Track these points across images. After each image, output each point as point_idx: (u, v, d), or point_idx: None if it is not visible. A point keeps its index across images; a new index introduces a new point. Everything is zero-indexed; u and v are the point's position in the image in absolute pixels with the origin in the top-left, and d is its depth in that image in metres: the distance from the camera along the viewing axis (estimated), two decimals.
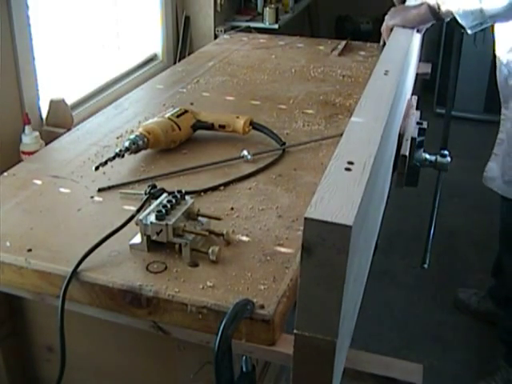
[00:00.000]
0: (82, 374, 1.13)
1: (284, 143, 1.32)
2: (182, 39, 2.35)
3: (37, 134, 1.39)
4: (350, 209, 0.63)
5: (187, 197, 1.00)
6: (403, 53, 1.25)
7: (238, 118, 1.33)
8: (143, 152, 1.26)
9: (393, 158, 1.38)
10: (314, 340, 0.68)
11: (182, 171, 1.20)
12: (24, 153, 1.36)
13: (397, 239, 2.49)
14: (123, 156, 1.19)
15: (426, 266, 1.44)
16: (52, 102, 1.51)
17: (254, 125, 1.35)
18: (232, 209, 1.07)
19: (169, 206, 0.95)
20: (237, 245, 0.97)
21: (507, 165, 1.61)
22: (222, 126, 1.33)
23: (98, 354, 1.09)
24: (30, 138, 1.37)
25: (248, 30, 2.56)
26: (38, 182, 1.16)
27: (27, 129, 1.37)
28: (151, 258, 0.93)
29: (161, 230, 0.92)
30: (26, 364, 1.16)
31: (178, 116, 1.31)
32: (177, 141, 1.30)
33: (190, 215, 0.97)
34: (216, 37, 2.42)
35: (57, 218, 1.05)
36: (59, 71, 1.70)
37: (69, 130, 1.46)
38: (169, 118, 1.30)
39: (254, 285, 0.87)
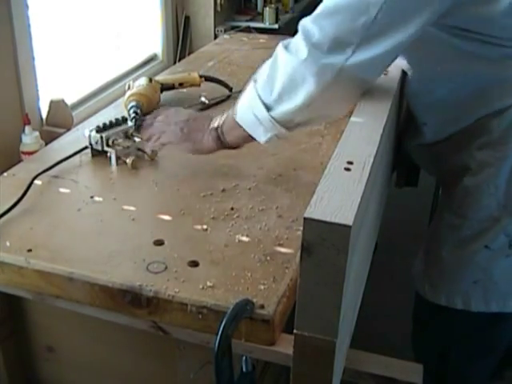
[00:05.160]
0: (81, 373, 1.13)
1: (231, 89, 1.65)
2: (181, 39, 2.35)
3: (37, 134, 1.39)
4: (350, 209, 0.63)
5: (130, 122, 1.30)
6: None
7: (189, 74, 1.63)
8: None
9: (393, 158, 1.38)
10: (314, 340, 0.69)
11: None
12: (24, 153, 1.36)
13: (397, 239, 2.48)
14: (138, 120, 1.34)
15: None
16: (52, 102, 1.51)
17: (204, 77, 1.64)
18: (232, 209, 1.07)
19: (108, 124, 1.25)
20: (237, 245, 0.97)
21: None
22: (181, 84, 1.61)
23: (97, 353, 1.09)
24: (30, 138, 1.37)
25: (248, 30, 2.56)
26: (38, 182, 1.16)
27: (27, 129, 1.37)
28: (151, 258, 0.93)
29: (97, 141, 1.24)
30: (25, 364, 1.16)
31: (150, 82, 1.51)
32: (158, 102, 1.52)
33: (127, 134, 1.27)
34: (216, 37, 2.42)
35: (57, 217, 1.05)
36: (59, 71, 1.69)
37: (69, 129, 1.46)
38: (147, 85, 1.49)
39: (254, 285, 0.87)
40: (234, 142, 1.08)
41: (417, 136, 1.20)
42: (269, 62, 0.96)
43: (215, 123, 1.09)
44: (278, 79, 0.93)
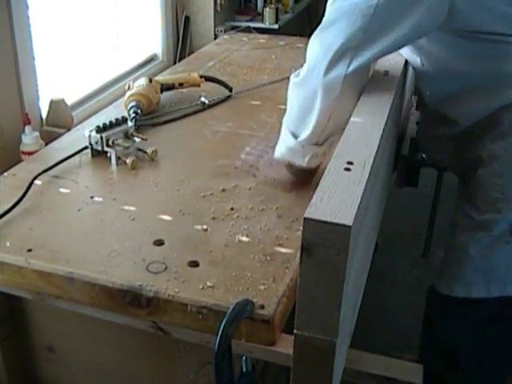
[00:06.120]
0: (81, 373, 1.13)
1: (231, 89, 1.66)
2: (181, 39, 2.35)
3: (37, 134, 1.39)
4: (350, 209, 0.63)
5: (130, 122, 1.31)
6: (403, 55, 1.25)
7: (189, 74, 1.64)
8: None
9: (393, 158, 1.38)
10: (314, 340, 0.69)
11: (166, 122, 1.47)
12: (24, 153, 1.36)
13: (397, 239, 2.48)
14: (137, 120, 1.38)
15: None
16: (52, 102, 1.50)
17: (204, 77, 1.65)
18: (232, 209, 1.07)
19: (108, 124, 1.26)
20: (237, 245, 0.97)
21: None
22: (181, 84, 1.61)
23: (97, 353, 1.09)
24: (30, 138, 1.37)
25: (248, 30, 2.56)
26: (38, 182, 1.16)
27: (27, 129, 1.37)
28: (151, 258, 0.93)
29: (97, 141, 1.24)
30: (25, 364, 1.16)
31: (150, 82, 1.52)
32: (158, 102, 1.53)
33: (127, 135, 1.27)
34: (216, 37, 2.42)
35: (57, 218, 1.05)
36: (59, 71, 1.69)
37: (69, 129, 1.46)
38: (147, 85, 1.49)
39: (254, 285, 0.87)
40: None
41: (447, 126, 1.23)
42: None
43: None
44: (294, 107, 1.04)
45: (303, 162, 1.06)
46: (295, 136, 1.04)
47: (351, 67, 0.94)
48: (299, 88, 1.02)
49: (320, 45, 0.96)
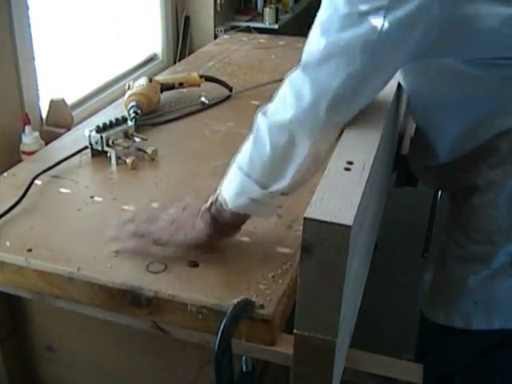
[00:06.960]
0: (82, 373, 1.13)
1: (231, 89, 1.66)
2: (181, 39, 2.35)
3: (37, 134, 1.39)
4: (350, 209, 0.63)
5: (130, 122, 1.31)
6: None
7: (189, 74, 1.64)
8: None
9: (393, 158, 1.38)
10: (314, 340, 0.69)
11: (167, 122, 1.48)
12: (24, 153, 1.36)
13: (397, 239, 2.48)
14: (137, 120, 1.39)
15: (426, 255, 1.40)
16: (52, 102, 1.50)
17: (204, 77, 1.65)
18: None
19: (108, 124, 1.27)
20: (237, 245, 0.97)
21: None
22: (181, 84, 1.61)
23: (98, 353, 1.09)
24: (30, 138, 1.36)
25: (248, 29, 2.56)
26: (38, 182, 1.16)
27: (27, 129, 1.37)
28: (151, 258, 0.93)
29: (97, 141, 1.24)
30: (25, 364, 1.16)
31: (150, 82, 1.52)
32: (158, 102, 1.53)
33: (127, 134, 1.28)
34: (216, 37, 2.42)
35: (57, 217, 1.05)
36: (59, 71, 1.69)
37: (69, 129, 1.46)
38: (147, 85, 1.49)
39: (254, 285, 0.87)
40: (232, 217, 0.92)
41: (427, 159, 1.16)
42: (250, 137, 0.88)
43: (207, 204, 0.94)
44: (264, 152, 0.85)
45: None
46: (264, 187, 0.86)
47: (351, 113, 0.83)
48: (280, 132, 0.83)
49: (312, 85, 0.82)
